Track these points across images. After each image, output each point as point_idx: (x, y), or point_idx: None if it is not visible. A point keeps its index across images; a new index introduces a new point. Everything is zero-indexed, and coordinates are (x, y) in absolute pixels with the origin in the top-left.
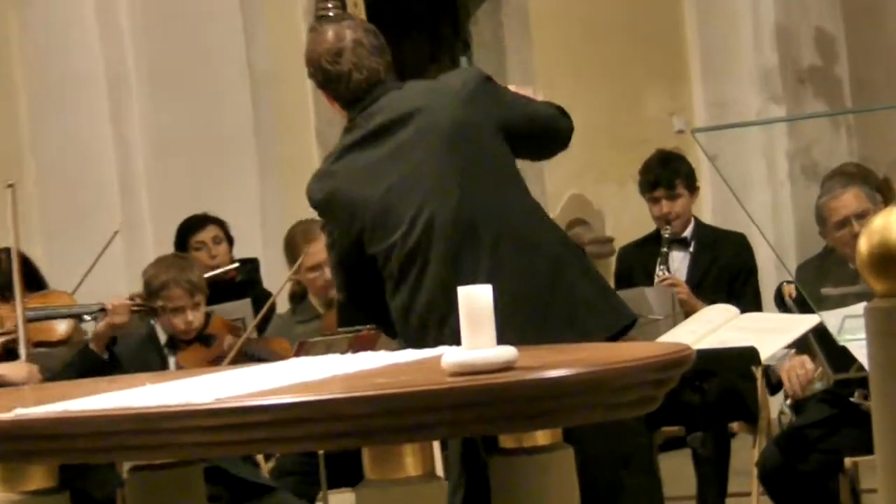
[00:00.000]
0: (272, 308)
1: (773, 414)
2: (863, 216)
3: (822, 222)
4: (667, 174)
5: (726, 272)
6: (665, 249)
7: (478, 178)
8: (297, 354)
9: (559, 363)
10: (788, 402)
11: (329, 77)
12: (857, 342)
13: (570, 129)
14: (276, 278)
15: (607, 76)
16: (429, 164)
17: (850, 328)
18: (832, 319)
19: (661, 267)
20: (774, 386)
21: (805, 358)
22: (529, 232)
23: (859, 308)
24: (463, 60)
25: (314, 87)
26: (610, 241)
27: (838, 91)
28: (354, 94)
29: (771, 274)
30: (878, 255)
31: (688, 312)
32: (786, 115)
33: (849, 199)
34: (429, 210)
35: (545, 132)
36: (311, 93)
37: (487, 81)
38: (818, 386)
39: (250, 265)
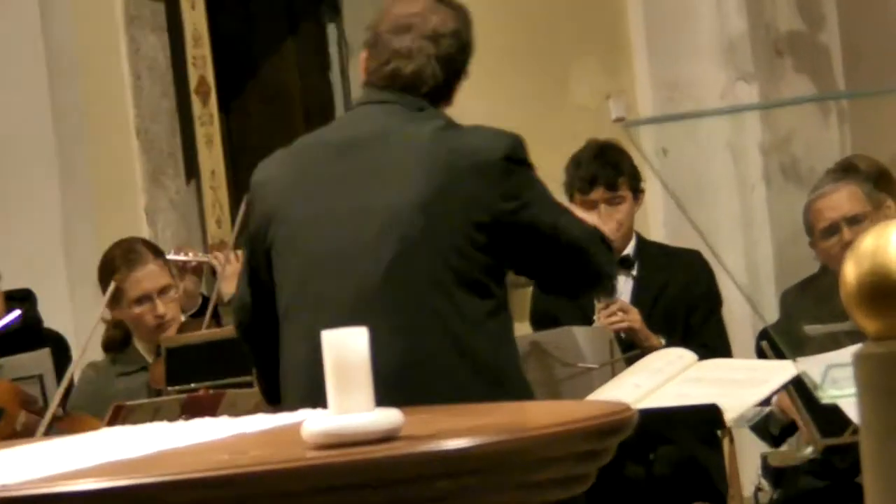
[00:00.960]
0: (65, 356)
1: (747, 491)
2: (857, 221)
3: (809, 230)
4: (606, 171)
5: (681, 302)
6: None
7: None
8: (113, 422)
9: (457, 431)
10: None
11: (376, 42)
12: (847, 398)
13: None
14: (86, 319)
15: (522, 50)
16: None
17: (836, 380)
18: (814, 369)
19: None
20: (776, 437)
21: None
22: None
23: (847, 355)
24: (330, 29)
25: (134, 73)
26: None
27: (826, 64)
28: (382, 78)
29: (742, 305)
30: (870, 286)
31: (639, 350)
32: (758, 100)
33: (840, 199)
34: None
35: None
36: (130, 81)
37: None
38: (805, 453)
39: (27, 302)
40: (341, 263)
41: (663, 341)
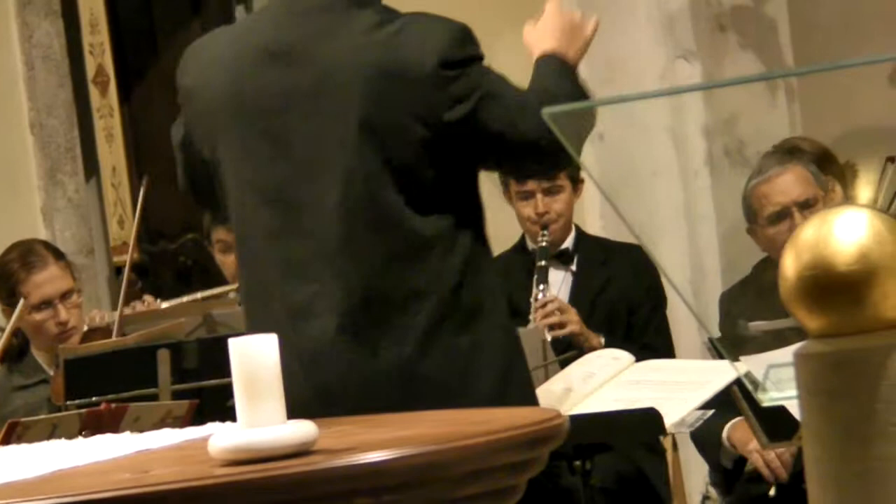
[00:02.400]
0: None
1: (694, 500)
2: (808, 206)
3: (751, 215)
4: None
5: (623, 300)
6: (543, 263)
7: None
8: (7, 440)
9: (375, 443)
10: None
11: None
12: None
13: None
14: None
15: None
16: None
17: (778, 381)
18: (757, 369)
19: (541, 287)
20: (730, 472)
21: None
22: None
23: (786, 354)
24: (238, 10)
25: (27, 63)
26: None
27: (773, 39)
28: None
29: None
30: (811, 280)
31: (574, 351)
32: (700, 79)
33: (789, 182)
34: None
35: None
36: (23, 71)
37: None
38: (749, 468)
39: None
40: (288, 200)
41: (602, 340)
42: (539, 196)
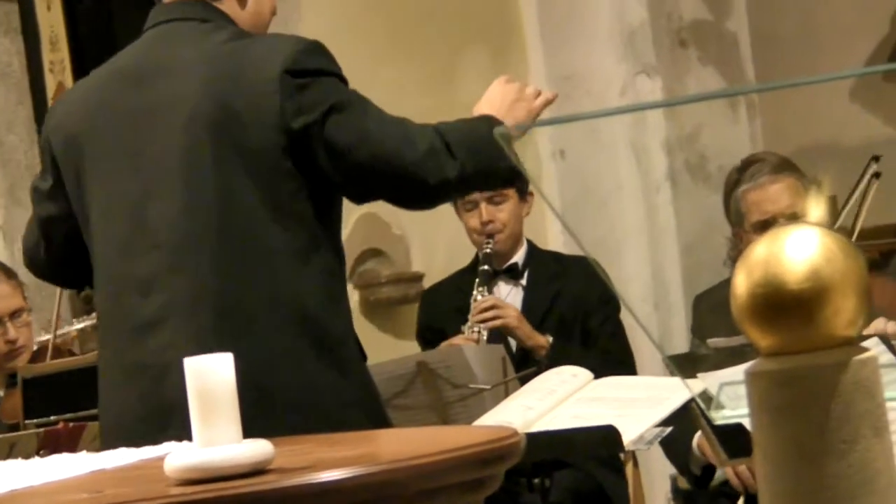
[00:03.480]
0: None
1: None
2: (796, 219)
3: (737, 219)
4: None
5: (575, 310)
6: (486, 267)
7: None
8: None
9: (331, 461)
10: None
11: None
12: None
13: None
14: None
15: (405, 38)
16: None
17: (732, 399)
18: (713, 386)
19: (480, 289)
20: (699, 477)
21: None
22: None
23: (740, 372)
24: None
25: None
26: (418, 278)
27: (734, 53)
28: None
29: (646, 314)
30: (762, 298)
31: (534, 368)
32: (661, 94)
33: (778, 192)
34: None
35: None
36: None
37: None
38: (718, 474)
39: None
40: (139, 215)
41: (550, 339)
42: (483, 205)
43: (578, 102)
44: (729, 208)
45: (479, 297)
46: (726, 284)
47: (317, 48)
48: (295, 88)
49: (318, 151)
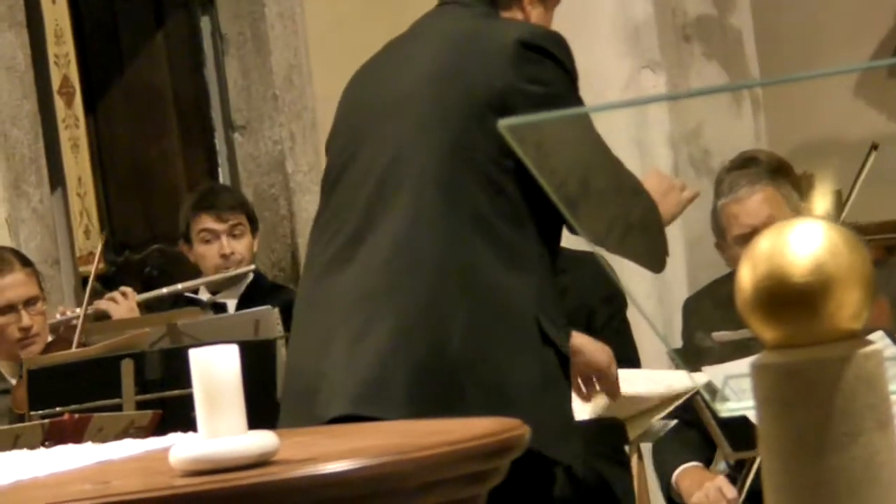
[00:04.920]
0: None
1: None
2: None
3: (719, 232)
4: None
5: (582, 308)
6: None
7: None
8: None
9: (335, 454)
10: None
11: None
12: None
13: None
14: None
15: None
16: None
17: (737, 392)
18: (718, 379)
19: None
20: None
21: (722, 483)
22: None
23: (746, 365)
24: (204, 21)
25: None
26: None
27: (738, 48)
28: None
29: (651, 309)
30: (767, 291)
31: None
32: (665, 89)
33: (756, 204)
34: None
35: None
36: None
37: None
38: (721, 467)
39: None
40: (352, 179)
41: None
42: None
43: (583, 96)
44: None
45: None
46: (715, 284)
47: (557, 38)
48: (523, 58)
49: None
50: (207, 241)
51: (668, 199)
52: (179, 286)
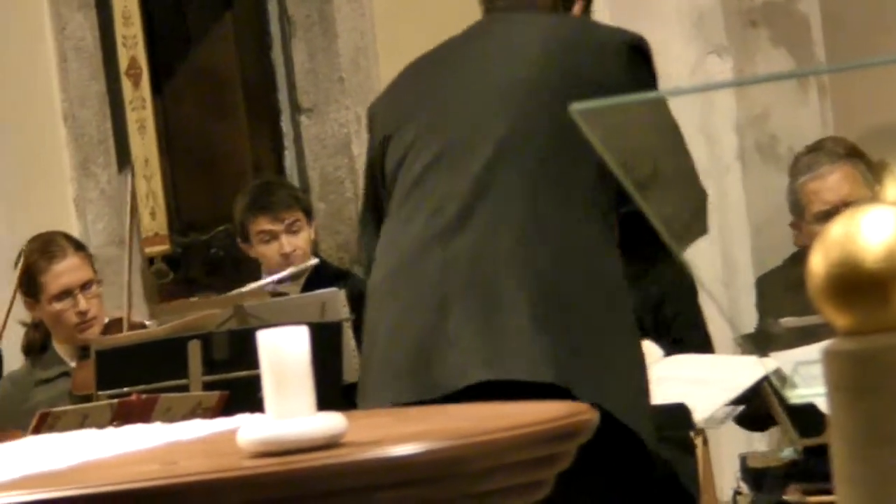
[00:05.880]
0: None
1: (726, 495)
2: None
3: (797, 211)
4: None
5: (648, 298)
6: None
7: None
8: (38, 430)
9: (403, 436)
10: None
11: None
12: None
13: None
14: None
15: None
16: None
17: (807, 378)
18: (787, 365)
19: None
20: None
21: None
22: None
23: (815, 351)
24: (271, 4)
25: (60, 55)
26: None
27: (804, 34)
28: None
29: (718, 296)
30: (839, 278)
31: None
32: (731, 74)
33: (836, 181)
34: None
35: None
36: (56, 63)
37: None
38: (786, 453)
39: None
40: (453, 159)
41: None
42: None
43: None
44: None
45: None
46: (788, 265)
47: (649, 45)
48: (633, 61)
49: None
50: (266, 242)
51: None
52: (244, 290)
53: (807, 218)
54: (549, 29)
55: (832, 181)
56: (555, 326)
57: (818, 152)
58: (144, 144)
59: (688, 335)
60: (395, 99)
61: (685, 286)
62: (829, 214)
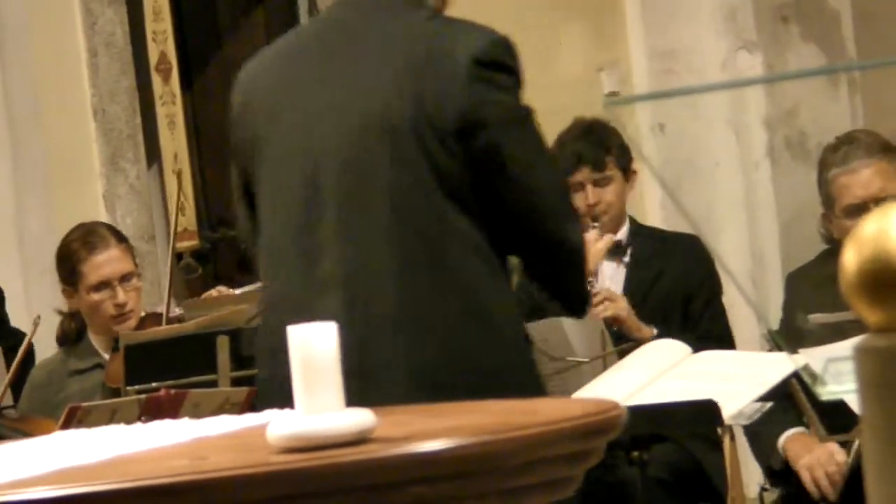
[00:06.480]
0: (30, 358)
1: (752, 491)
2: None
3: (828, 203)
4: (592, 149)
5: (678, 291)
6: None
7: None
8: (67, 425)
9: (433, 432)
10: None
11: None
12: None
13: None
14: (40, 311)
15: (504, 16)
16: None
17: (837, 375)
18: (816, 362)
19: (589, 280)
20: (777, 472)
21: (833, 448)
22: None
23: (848, 347)
24: (301, 1)
25: (90, 49)
26: None
27: (835, 31)
28: None
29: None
30: (872, 274)
31: (627, 341)
32: (762, 70)
33: (869, 176)
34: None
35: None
36: (86, 58)
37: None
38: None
39: None
40: (317, 199)
41: (655, 331)
42: (589, 188)
43: (679, 77)
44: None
45: (590, 288)
46: (818, 262)
47: (510, 46)
48: (479, 78)
49: (485, 148)
50: None
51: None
52: None
53: (836, 211)
54: (403, 53)
55: (865, 176)
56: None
57: (851, 145)
58: (174, 140)
59: (712, 329)
60: (269, 92)
61: (710, 284)
62: (859, 209)
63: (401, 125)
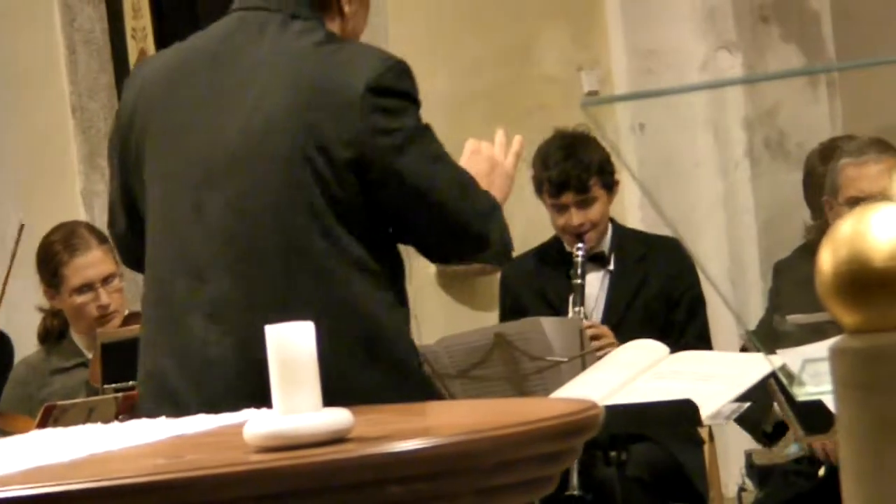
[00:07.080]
0: (10, 353)
1: (731, 491)
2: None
3: (832, 190)
4: (575, 173)
5: (661, 296)
6: (579, 281)
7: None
8: (44, 423)
9: (409, 431)
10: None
11: None
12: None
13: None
14: (23, 312)
15: (485, 14)
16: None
17: (814, 375)
18: (793, 363)
19: (577, 309)
20: (770, 434)
21: None
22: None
23: (822, 349)
24: None
25: (68, 46)
26: None
27: (815, 31)
28: None
29: (725, 292)
30: (848, 276)
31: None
32: (742, 70)
33: (877, 172)
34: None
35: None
36: (65, 54)
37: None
38: (792, 450)
39: None
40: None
41: None
42: (573, 210)
43: (659, 77)
44: (809, 181)
45: (579, 315)
46: (804, 254)
47: (404, 69)
48: (374, 107)
49: (382, 176)
50: None
51: (495, 182)
52: None
53: (839, 199)
54: (296, 80)
55: (874, 171)
56: None
57: (870, 139)
58: None
59: (693, 341)
60: (165, 105)
61: (693, 295)
62: (860, 202)
63: (293, 154)
